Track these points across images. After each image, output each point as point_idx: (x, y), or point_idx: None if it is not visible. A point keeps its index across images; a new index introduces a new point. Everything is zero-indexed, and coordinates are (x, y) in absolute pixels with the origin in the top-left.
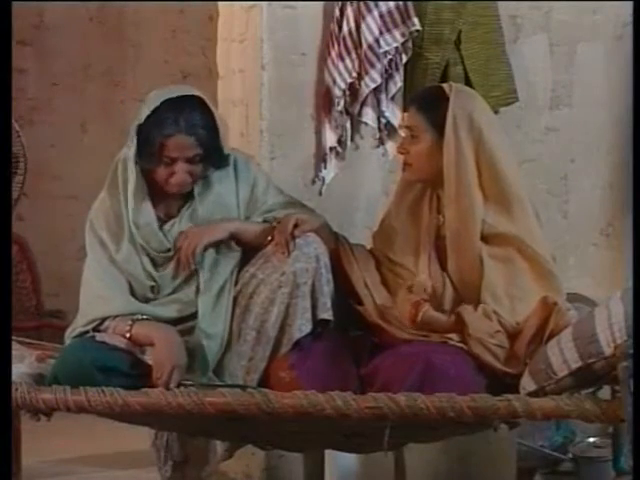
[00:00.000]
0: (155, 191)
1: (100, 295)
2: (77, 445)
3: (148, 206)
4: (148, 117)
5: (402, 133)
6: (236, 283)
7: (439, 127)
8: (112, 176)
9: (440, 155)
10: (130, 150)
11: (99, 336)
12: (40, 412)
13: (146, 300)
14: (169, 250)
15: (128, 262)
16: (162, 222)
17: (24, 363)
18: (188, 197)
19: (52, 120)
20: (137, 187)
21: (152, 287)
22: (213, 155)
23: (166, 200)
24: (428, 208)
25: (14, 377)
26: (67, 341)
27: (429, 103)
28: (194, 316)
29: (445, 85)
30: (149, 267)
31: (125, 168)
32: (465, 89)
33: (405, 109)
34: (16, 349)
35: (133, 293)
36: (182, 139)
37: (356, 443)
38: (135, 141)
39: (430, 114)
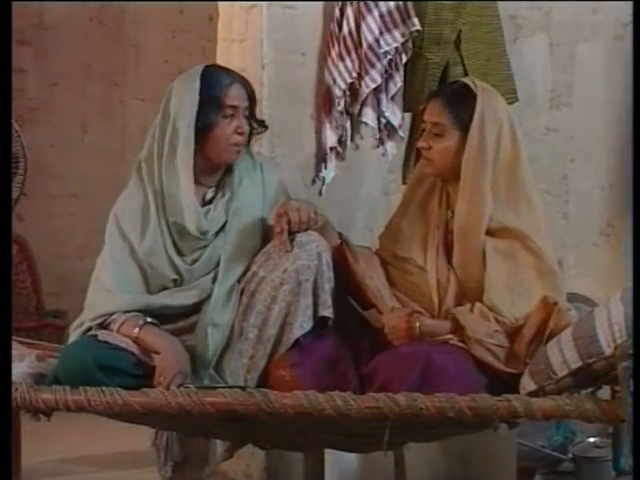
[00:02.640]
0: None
1: (108, 288)
2: (77, 445)
3: (192, 186)
4: (202, 77)
5: (401, 133)
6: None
7: (465, 125)
8: (137, 169)
9: (463, 152)
10: (184, 121)
11: (101, 335)
12: (40, 412)
13: (159, 291)
14: (205, 234)
15: (152, 253)
16: None
17: (24, 362)
18: (219, 187)
19: (52, 120)
20: (187, 163)
21: (174, 280)
22: (254, 116)
23: (197, 188)
24: (438, 203)
25: (14, 377)
26: (71, 335)
27: (457, 101)
28: (198, 309)
29: (468, 82)
30: (174, 255)
31: (151, 162)
32: (488, 87)
33: (407, 108)
34: (16, 348)
35: (148, 287)
36: (239, 88)
37: (356, 443)
38: (196, 104)
39: (459, 112)
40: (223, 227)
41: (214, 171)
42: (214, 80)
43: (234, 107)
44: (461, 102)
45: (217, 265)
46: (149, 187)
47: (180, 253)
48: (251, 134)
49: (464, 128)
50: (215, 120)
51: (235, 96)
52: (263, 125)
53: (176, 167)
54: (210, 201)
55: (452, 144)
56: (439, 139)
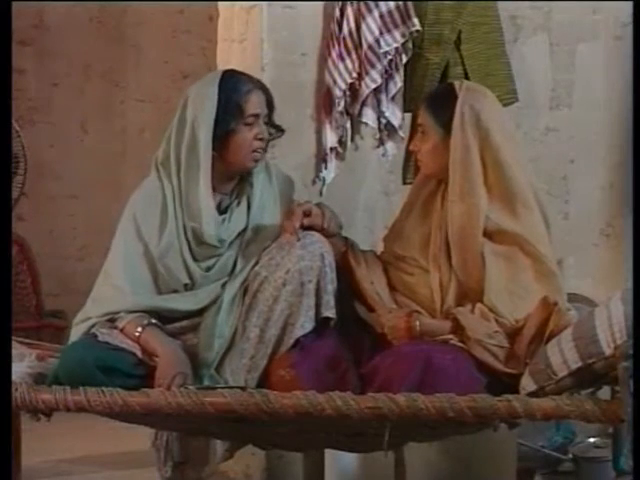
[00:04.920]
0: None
1: (117, 286)
2: (77, 445)
3: (211, 193)
4: (220, 83)
5: (401, 133)
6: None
7: (446, 124)
8: (156, 168)
9: (447, 151)
10: (203, 127)
11: (102, 336)
12: (40, 412)
13: (168, 293)
14: (222, 242)
15: (167, 255)
16: None
17: (24, 362)
18: (233, 195)
19: (52, 120)
20: (207, 170)
21: (185, 285)
22: (272, 122)
23: (214, 195)
24: (440, 204)
25: (14, 376)
26: (74, 328)
27: (438, 101)
28: (204, 310)
29: (456, 83)
30: (189, 260)
31: (169, 166)
32: (476, 87)
33: (407, 109)
34: (16, 348)
35: (158, 288)
36: (259, 95)
37: (356, 443)
38: (214, 110)
39: (438, 112)
40: (238, 236)
41: (231, 178)
42: (234, 86)
43: (255, 115)
44: (441, 103)
45: (230, 273)
46: (168, 190)
47: (195, 258)
48: (268, 139)
49: (445, 128)
50: (235, 127)
51: (256, 104)
52: (280, 130)
53: (195, 173)
54: (225, 210)
55: (434, 144)
56: (425, 140)
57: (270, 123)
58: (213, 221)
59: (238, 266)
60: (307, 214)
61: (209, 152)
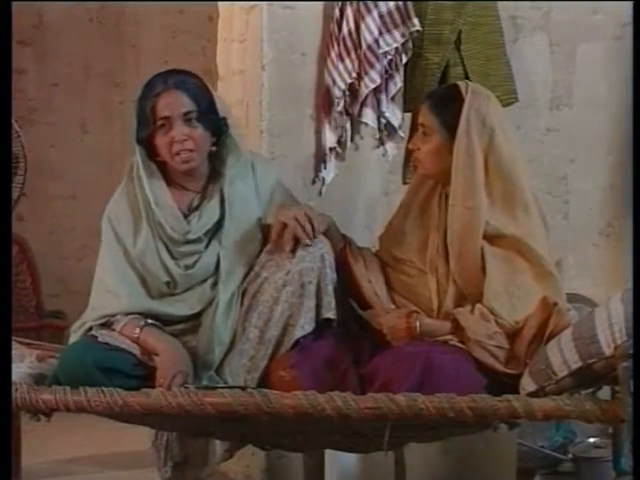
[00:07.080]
0: (171, 184)
1: (112, 291)
2: (77, 445)
3: (166, 192)
4: (142, 90)
5: (401, 133)
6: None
7: (450, 127)
8: (129, 170)
9: (450, 154)
10: (132, 133)
11: (101, 337)
12: (40, 412)
13: (160, 296)
14: (188, 233)
15: (144, 256)
16: (183, 215)
17: (24, 362)
18: (206, 192)
19: (52, 120)
20: (148, 170)
21: (168, 283)
22: (210, 117)
23: (183, 195)
24: (437, 205)
25: (14, 377)
26: (72, 336)
27: (443, 102)
28: (202, 313)
29: (461, 84)
30: (167, 259)
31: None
32: (481, 90)
33: (407, 109)
34: (16, 349)
35: (147, 290)
36: (172, 95)
37: (356, 443)
38: (135, 120)
39: (443, 113)
40: (217, 233)
41: (191, 176)
42: (145, 90)
43: (165, 117)
44: (447, 105)
45: (215, 271)
46: (139, 189)
47: (173, 257)
48: (221, 134)
49: (450, 131)
50: (151, 131)
51: (165, 106)
52: (225, 124)
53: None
54: (197, 207)
55: (437, 146)
56: (426, 140)
57: (204, 119)
58: (171, 217)
59: (225, 265)
60: (296, 238)
61: (138, 155)
